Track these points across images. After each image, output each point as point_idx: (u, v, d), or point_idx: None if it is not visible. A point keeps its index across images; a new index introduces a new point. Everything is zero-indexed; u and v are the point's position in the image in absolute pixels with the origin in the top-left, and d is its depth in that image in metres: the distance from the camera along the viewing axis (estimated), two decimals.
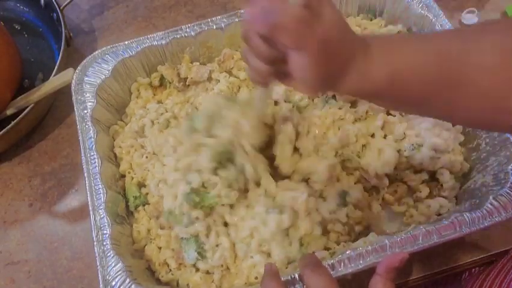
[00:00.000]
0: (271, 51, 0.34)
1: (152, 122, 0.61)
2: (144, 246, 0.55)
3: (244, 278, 0.51)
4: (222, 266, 0.52)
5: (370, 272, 0.41)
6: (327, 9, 0.33)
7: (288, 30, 0.32)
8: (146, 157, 0.59)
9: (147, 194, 0.58)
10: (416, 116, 0.58)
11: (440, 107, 0.37)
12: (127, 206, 0.58)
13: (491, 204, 0.48)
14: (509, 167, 0.51)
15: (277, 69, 0.37)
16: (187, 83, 0.65)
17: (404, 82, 0.35)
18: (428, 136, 0.57)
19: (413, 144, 0.56)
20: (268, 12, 0.32)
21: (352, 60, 0.35)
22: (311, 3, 0.32)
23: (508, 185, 0.49)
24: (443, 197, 0.56)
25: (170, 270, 0.53)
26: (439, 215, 0.55)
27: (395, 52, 0.36)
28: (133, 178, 0.58)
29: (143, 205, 0.57)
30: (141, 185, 0.59)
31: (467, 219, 0.47)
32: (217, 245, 0.51)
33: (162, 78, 0.66)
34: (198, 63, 0.66)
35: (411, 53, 0.36)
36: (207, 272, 0.52)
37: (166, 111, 0.62)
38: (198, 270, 0.52)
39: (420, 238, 0.46)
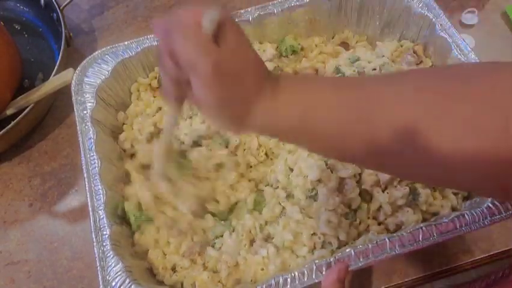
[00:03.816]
0: (177, 71, 0.33)
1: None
2: (147, 250, 0.54)
3: (251, 274, 0.50)
4: (228, 267, 0.51)
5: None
6: (230, 37, 0.33)
7: (185, 49, 0.32)
8: None
9: None
10: None
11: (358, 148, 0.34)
12: None
13: (491, 203, 0.48)
14: None
15: (185, 91, 0.35)
16: None
17: (317, 119, 0.34)
18: None
19: None
20: (173, 28, 0.32)
21: (258, 94, 0.34)
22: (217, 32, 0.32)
23: None
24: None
25: (175, 272, 0.53)
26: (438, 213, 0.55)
27: (308, 90, 0.35)
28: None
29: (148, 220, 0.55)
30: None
31: (467, 218, 0.47)
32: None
33: (160, 78, 0.66)
34: None
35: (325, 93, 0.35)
36: (214, 271, 0.52)
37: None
38: (205, 268, 0.52)
39: (420, 237, 0.46)
